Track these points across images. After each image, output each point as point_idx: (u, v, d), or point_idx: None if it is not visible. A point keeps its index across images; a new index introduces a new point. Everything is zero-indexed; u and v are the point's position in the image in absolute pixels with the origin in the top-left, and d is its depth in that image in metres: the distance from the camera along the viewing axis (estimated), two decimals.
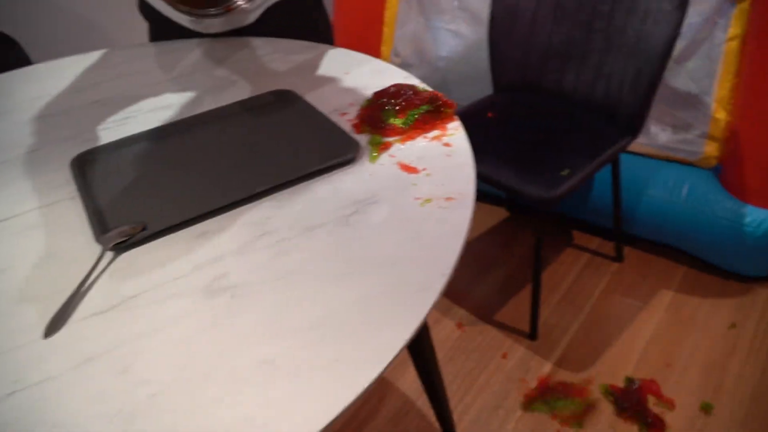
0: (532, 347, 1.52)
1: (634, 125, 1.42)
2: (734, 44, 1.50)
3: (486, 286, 1.73)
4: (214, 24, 1.10)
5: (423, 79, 2.01)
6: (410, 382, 1.44)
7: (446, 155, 0.72)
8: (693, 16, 1.51)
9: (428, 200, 0.65)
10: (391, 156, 0.73)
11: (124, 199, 0.70)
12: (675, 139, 1.64)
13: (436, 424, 1.27)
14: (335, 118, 0.81)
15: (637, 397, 1.35)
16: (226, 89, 0.94)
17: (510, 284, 1.73)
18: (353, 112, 0.82)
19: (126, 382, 0.48)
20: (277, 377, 0.48)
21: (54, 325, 0.55)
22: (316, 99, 0.87)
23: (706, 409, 1.32)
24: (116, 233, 0.64)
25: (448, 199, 0.65)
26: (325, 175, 0.71)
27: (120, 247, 0.63)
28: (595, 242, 1.84)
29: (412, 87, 0.81)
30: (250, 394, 0.47)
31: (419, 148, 0.74)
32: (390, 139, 0.75)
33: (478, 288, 1.72)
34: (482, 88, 1.74)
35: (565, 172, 1.29)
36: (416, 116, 0.76)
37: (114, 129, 0.86)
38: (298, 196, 0.68)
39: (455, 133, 0.76)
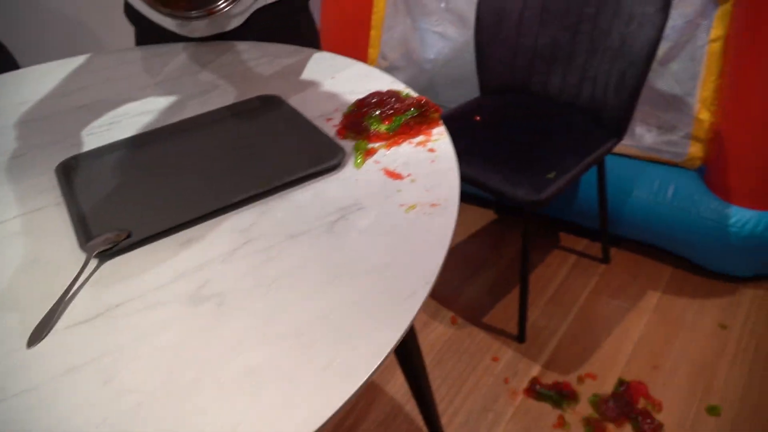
0: (521, 349, 1.53)
1: (619, 127, 1.44)
2: (717, 45, 1.51)
3: (475, 288, 1.74)
4: (200, 28, 1.10)
5: (410, 81, 2.03)
6: (399, 386, 1.44)
7: (431, 161, 0.72)
8: (676, 18, 1.52)
9: (413, 206, 0.65)
10: (376, 162, 0.73)
11: (109, 206, 0.70)
12: (660, 141, 1.65)
13: (426, 428, 1.27)
14: (320, 123, 0.81)
15: (626, 401, 1.36)
16: (211, 94, 0.94)
17: (499, 286, 1.74)
18: (338, 117, 0.82)
19: (110, 392, 0.48)
20: (264, 385, 0.48)
21: (37, 334, 0.54)
22: (302, 104, 0.87)
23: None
24: (101, 240, 0.63)
25: (433, 205, 0.65)
26: (310, 182, 0.71)
27: (105, 255, 0.63)
28: (582, 243, 1.86)
29: (396, 92, 0.81)
30: (236, 403, 0.47)
31: (404, 153, 0.74)
32: (375, 145, 0.75)
33: (467, 290, 1.73)
34: (470, 89, 1.75)
35: (551, 175, 1.30)
36: (401, 121, 0.76)
37: (99, 134, 0.86)
38: (282, 202, 0.68)
39: (440, 138, 0.76)
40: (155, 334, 0.53)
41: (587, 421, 1.34)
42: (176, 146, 0.80)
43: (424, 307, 1.67)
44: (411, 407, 1.40)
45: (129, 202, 0.71)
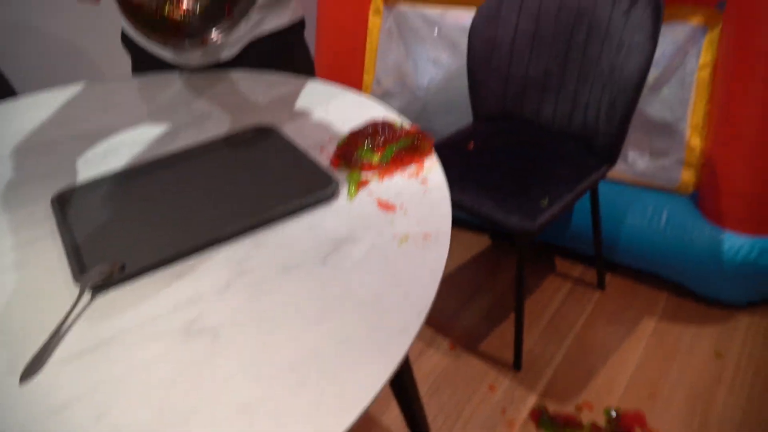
0: (517, 378, 1.52)
1: (611, 154, 1.45)
2: (706, 72, 1.53)
3: (471, 315, 1.73)
4: (196, 57, 1.11)
5: (405, 108, 2.04)
6: (394, 417, 1.42)
7: (423, 191, 0.73)
8: (666, 45, 1.55)
9: (405, 238, 0.65)
10: (369, 193, 0.73)
11: (104, 237, 0.70)
12: (653, 166, 1.67)
13: None
14: (314, 153, 0.82)
15: (622, 430, 1.35)
16: (206, 123, 0.95)
17: (495, 312, 1.73)
18: (332, 147, 0.83)
19: (104, 427, 0.48)
20: (257, 421, 0.47)
21: (30, 370, 0.54)
22: (296, 133, 0.88)
23: None
24: (95, 273, 0.63)
25: (425, 236, 0.65)
26: (304, 212, 0.71)
27: (99, 288, 0.63)
28: (577, 270, 1.86)
29: (389, 123, 0.82)
30: None
31: (397, 184, 0.74)
32: (368, 175, 0.76)
33: (463, 316, 1.73)
34: (463, 116, 1.76)
35: (544, 202, 1.31)
36: (393, 152, 0.77)
37: (95, 163, 0.86)
38: (276, 234, 0.68)
39: (432, 168, 0.76)
40: (148, 368, 0.53)
41: None
42: (171, 177, 0.81)
43: (420, 335, 1.66)
44: None
45: (124, 233, 0.71)
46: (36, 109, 1.04)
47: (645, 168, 1.68)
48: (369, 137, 0.79)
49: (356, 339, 0.54)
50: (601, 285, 1.78)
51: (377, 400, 0.49)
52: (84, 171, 0.84)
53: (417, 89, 1.96)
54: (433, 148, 0.80)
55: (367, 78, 2.07)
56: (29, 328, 0.58)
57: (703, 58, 1.53)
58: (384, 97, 2.04)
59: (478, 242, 2.01)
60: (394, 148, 0.77)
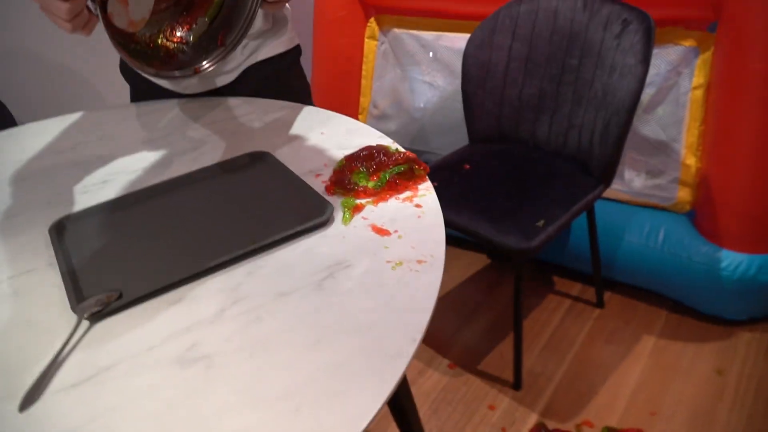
0: (517, 397, 1.52)
1: (606, 175, 1.46)
2: (699, 93, 1.55)
3: (470, 334, 1.73)
4: (193, 84, 1.13)
5: (401, 130, 2.06)
6: None
7: (417, 216, 0.73)
8: (660, 65, 1.57)
9: (399, 263, 0.66)
10: (364, 218, 0.74)
11: (101, 266, 0.71)
12: (649, 185, 1.68)
13: None
14: (309, 179, 0.83)
15: None
16: (202, 149, 0.96)
17: (494, 331, 1.73)
18: (327, 173, 0.84)
19: None
20: None
21: (29, 398, 0.54)
22: (291, 160, 0.89)
23: None
24: (92, 302, 0.64)
25: (419, 261, 0.66)
26: (299, 239, 0.72)
27: (96, 317, 0.63)
28: (576, 288, 1.86)
29: (384, 147, 0.83)
30: None
31: (391, 209, 0.75)
32: (362, 201, 0.77)
33: (462, 335, 1.73)
34: (459, 137, 1.78)
35: (540, 223, 1.31)
36: (388, 177, 0.78)
37: (93, 192, 0.87)
38: (271, 260, 0.69)
39: (427, 193, 0.77)
40: (144, 397, 0.53)
41: None
42: (167, 204, 0.82)
43: (419, 355, 1.66)
44: None
45: (120, 261, 0.72)
46: (34, 137, 1.05)
47: (641, 187, 1.69)
48: (364, 162, 0.80)
49: (351, 364, 0.54)
50: (600, 303, 1.78)
51: (376, 422, 0.49)
52: (82, 200, 0.85)
53: (413, 111, 1.98)
54: (428, 175, 0.81)
55: (363, 101, 2.09)
56: (27, 356, 0.59)
57: (696, 78, 1.55)
58: (380, 119, 2.06)
59: (477, 261, 2.01)
60: (389, 174, 0.78)
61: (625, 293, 1.81)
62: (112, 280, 0.68)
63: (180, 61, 0.93)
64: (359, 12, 1.98)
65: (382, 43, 2.01)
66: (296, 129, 0.99)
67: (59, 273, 0.70)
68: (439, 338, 1.72)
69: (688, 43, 1.53)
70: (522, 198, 1.43)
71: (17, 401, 0.54)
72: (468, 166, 1.56)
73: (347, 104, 2.09)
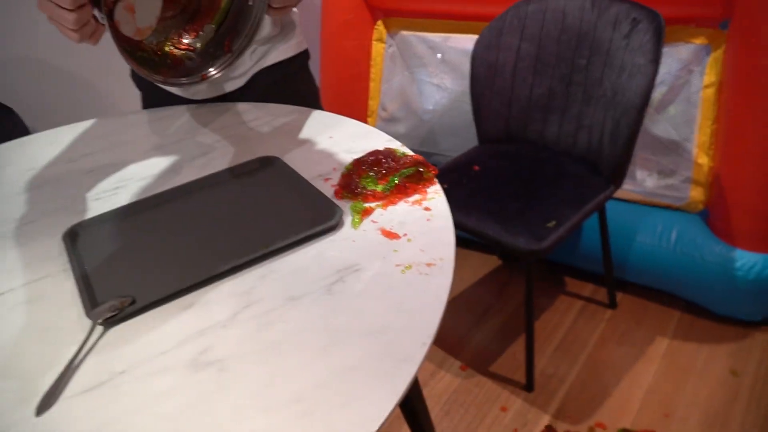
0: (529, 399, 1.51)
1: (617, 175, 1.45)
2: (711, 91, 1.54)
3: (481, 335, 1.73)
4: (202, 90, 1.14)
5: (410, 132, 2.06)
6: None
7: (426, 219, 0.74)
8: (671, 64, 1.56)
9: (409, 267, 0.66)
10: (373, 222, 0.74)
11: (114, 272, 0.72)
12: (661, 185, 1.67)
13: None
14: (319, 183, 0.83)
15: None
16: (212, 155, 0.96)
17: (506, 332, 1.73)
18: (336, 177, 0.84)
19: None
20: None
21: (46, 403, 0.55)
22: (301, 164, 0.89)
23: None
24: (106, 308, 0.65)
25: (429, 264, 0.66)
26: (309, 243, 0.72)
27: (109, 322, 0.64)
28: (588, 289, 1.85)
29: (392, 151, 0.83)
30: None
31: (400, 213, 0.75)
32: (372, 205, 0.77)
33: (474, 337, 1.72)
34: (468, 138, 1.78)
35: (551, 224, 1.31)
36: (397, 180, 0.78)
37: (106, 198, 0.88)
38: (282, 264, 0.69)
39: (435, 196, 0.78)
40: (158, 402, 0.54)
41: None
42: (178, 210, 0.82)
43: (431, 357, 1.66)
44: None
45: (133, 267, 0.72)
46: (47, 145, 1.06)
47: (653, 186, 1.68)
48: (372, 166, 0.81)
49: (362, 368, 0.55)
50: (612, 304, 1.77)
51: (388, 424, 0.49)
52: (95, 207, 0.86)
53: (422, 113, 1.98)
54: (437, 177, 0.81)
55: (372, 104, 2.09)
56: (43, 361, 0.60)
57: (707, 77, 1.54)
58: (390, 122, 2.06)
59: (488, 262, 2.01)
60: (398, 177, 0.78)
61: (637, 294, 1.79)
62: (125, 286, 0.69)
63: (187, 68, 0.93)
64: (366, 15, 1.99)
65: (390, 46, 2.01)
66: (305, 133, 1.00)
67: (73, 279, 0.71)
68: (450, 340, 1.72)
69: (700, 41, 1.52)
70: (532, 199, 1.42)
71: (34, 405, 0.55)
72: (477, 168, 1.56)
73: (356, 107, 2.10)
